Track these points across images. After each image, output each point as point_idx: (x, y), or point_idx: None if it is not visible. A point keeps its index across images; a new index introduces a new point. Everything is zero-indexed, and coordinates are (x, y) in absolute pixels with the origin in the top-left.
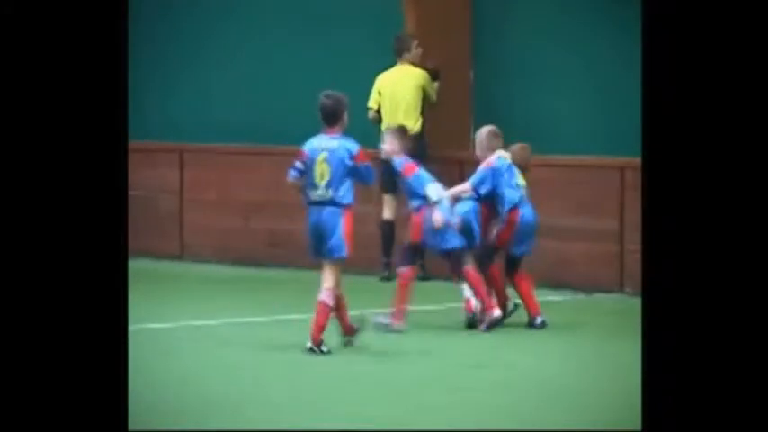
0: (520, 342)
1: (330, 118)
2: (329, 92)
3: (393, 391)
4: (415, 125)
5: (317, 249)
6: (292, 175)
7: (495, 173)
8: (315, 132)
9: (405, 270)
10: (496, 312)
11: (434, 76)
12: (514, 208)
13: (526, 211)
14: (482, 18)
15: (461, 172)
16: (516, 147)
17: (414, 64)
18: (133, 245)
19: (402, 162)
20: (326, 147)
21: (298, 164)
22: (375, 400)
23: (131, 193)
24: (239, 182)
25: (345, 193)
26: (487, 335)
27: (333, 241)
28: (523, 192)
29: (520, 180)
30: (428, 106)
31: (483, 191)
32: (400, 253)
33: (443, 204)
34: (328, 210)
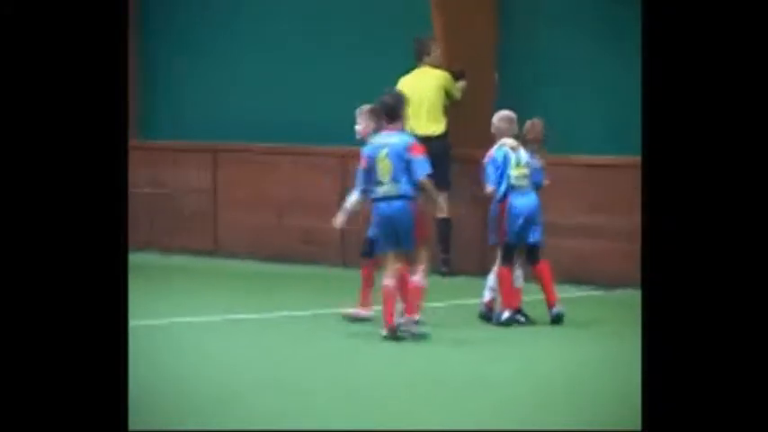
0: (542, 334)
1: (391, 114)
2: (391, 89)
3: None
4: (438, 126)
5: (390, 242)
6: (359, 178)
7: (493, 164)
8: (345, 131)
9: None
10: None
11: (459, 76)
12: (503, 198)
13: (518, 201)
14: (507, 22)
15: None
16: (528, 123)
17: (434, 66)
18: (168, 242)
19: (366, 154)
20: (387, 143)
21: (360, 168)
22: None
23: (166, 191)
24: (272, 180)
25: (410, 186)
26: (507, 329)
27: (406, 234)
28: (519, 180)
29: (516, 169)
30: (452, 105)
31: (493, 185)
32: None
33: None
34: (398, 203)
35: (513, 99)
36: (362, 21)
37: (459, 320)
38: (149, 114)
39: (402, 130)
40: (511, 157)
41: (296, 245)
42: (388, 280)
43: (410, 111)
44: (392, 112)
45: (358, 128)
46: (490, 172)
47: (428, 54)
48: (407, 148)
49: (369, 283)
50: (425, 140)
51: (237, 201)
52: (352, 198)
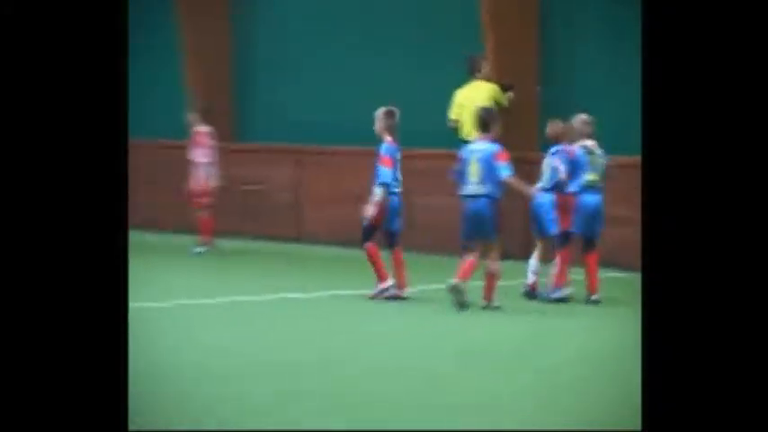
0: (581, 311)
1: (484, 126)
2: (485, 106)
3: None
4: None
5: (474, 233)
6: (454, 175)
7: (569, 162)
8: (411, 135)
9: (368, 245)
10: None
11: (507, 88)
12: (574, 194)
13: (589, 198)
14: (548, 39)
15: (530, 170)
16: (577, 120)
17: (486, 79)
18: (256, 229)
19: (387, 149)
20: (479, 149)
21: (456, 166)
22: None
23: (257, 187)
24: (348, 178)
25: (494, 188)
26: (553, 305)
27: (489, 227)
28: (592, 179)
29: (591, 170)
30: (501, 113)
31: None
32: (363, 230)
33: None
34: (483, 201)
35: (555, 108)
36: (422, 41)
37: (508, 299)
38: (244, 120)
39: (493, 139)
40: (588, 158)
41: (355, 231)
42: (493, 264)
43: (465, 118)
44: (485, 124)
45: (375, 127)
46: (557, 166)
47: (480, 70)
48: (494, 155)
49: (401, 264)
50: None
51: (319, 195)
52: (378, 192)
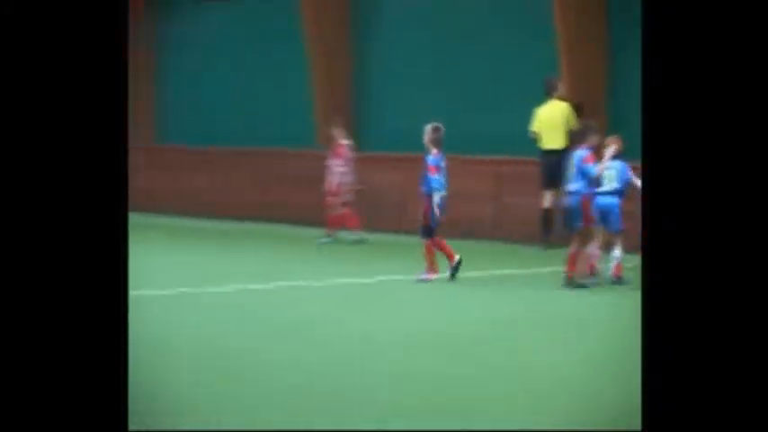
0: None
1: (581, 139)
2: (586, 121)
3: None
4: (561, 142)
5: (597, 223)
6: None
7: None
8: (496, 145)
9: (426, 241)
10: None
11: (578, 108)
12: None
13: (603, 199)
14: (616, 63)
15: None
16: (612, 138)
17: (561, 98)
18: (373, 223)
19: (433, 159)
20: (577, 155)
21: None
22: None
23: (365, 187)
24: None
25: (582, 186)
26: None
27: (612, 218)
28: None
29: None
30: (570, 129)
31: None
32: (420, 230)
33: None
34: (575, 198)
35: (620, 125)
36: (508, 66)
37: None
38: (361, 131)
39: (589, 147)
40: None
41: (458, 225)
42: (594, 249)
43: (543, 131)
44: (582, 136)
45: (424, 140)
46: (589, 171)
47: (555, 90)
48: (581, 160)
49: (433, 254)
50: (552, 152)
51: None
52: (436, 198)
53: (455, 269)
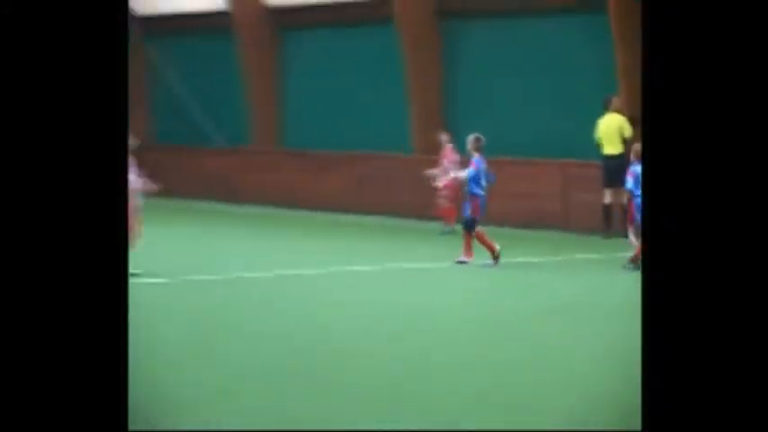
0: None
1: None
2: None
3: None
4: (618, 149)
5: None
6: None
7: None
8: (568, 150)
9: (468, 232)
10: None
11: (632, 120)
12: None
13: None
14: None
15: None
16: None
17: (617, 111)
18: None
19: (476, 161)
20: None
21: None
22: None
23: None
24: (516, 180)
25: (633, 186)
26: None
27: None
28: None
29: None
30: (625, 138)
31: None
32: (464, 224)
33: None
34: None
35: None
36: (578, 85)
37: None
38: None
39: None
40: None
41: (532, 218)
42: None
43: (603, 139)
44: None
45: (468, 147)
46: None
47: (611, 105)
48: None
49: (471, 242)
50: (611, 157)
51: (501, 192)
52: (479, 191)
53: (496, 258)
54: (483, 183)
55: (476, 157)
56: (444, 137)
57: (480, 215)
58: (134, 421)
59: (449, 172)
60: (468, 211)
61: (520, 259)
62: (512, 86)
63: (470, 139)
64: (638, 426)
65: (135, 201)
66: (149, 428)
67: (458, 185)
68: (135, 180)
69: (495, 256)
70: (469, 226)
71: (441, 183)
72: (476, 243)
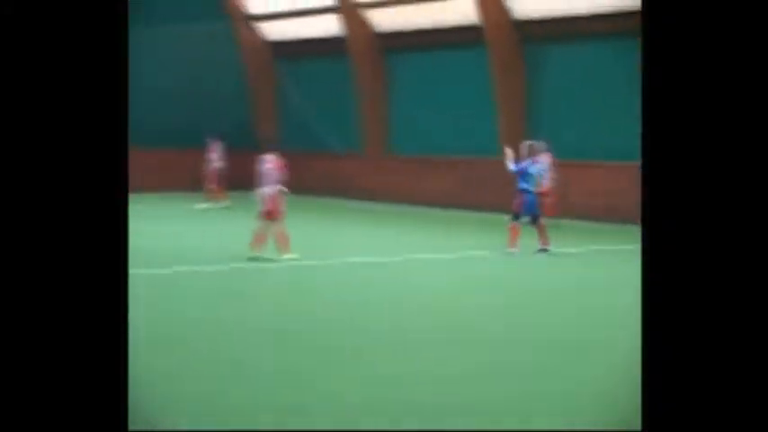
0: None
1: None
2: None
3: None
4: None
5: None
6: None
7: None
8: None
9: (514, 224)
10: None
11: None
12: None
13: None
14: None
15: None
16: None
17: None
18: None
19: (532, 167)
20: None
21: None
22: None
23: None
24: (567, 180)
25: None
26: None
27: None
28: None
29: None
30: None
31: None
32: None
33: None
34: None
35: None
36: (605, 93)
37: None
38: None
39: None
40: None
41: (602, 212)
42: None
43: None
44: None
45: (523, 154)
46: None
47: None
48: None
49: (544, 231)
50: None
51: (570, 193)
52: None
53: (544, 249)
54: (532, 181)
55: (526, 162)
56: (539, 144)
57: (526, 210)
58: (134, 421)
59: (548, 174)
60: (532, 207)
61: (563, 249)
62: (591, 95)
63: (524, 145)
64: (638, 426)
65: (280, 197)
66: (149, 428)
67: (551, 185)
68: (279, 177)
69: (510, 252)
70: (535, 218)
71: (544, 183)
72: (527, 232)
